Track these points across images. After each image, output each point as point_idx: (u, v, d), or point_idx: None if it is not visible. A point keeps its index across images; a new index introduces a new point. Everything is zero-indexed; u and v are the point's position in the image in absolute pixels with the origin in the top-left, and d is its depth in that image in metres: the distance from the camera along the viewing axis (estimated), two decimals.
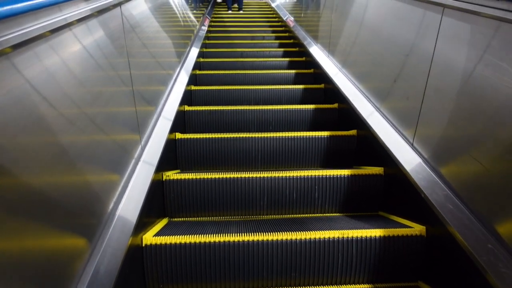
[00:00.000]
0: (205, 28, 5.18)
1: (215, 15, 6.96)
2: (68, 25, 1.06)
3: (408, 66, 1.83)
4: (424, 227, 1.56)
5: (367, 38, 2.45)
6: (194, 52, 3.78)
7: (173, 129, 2.23)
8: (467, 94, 1.36)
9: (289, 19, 5.61)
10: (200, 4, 6.13)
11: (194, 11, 4.98)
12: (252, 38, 5.31)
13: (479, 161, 1.31)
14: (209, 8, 6.91)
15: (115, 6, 1.47)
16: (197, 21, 4.99)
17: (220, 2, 8.51)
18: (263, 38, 5.35)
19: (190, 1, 4.63)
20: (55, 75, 0.98)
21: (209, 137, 2.36)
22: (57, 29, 0.99)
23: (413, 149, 1.76)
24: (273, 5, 7.43)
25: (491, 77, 1.23)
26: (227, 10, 7.59)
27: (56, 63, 0.99)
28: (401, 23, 1.92)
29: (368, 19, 2.45)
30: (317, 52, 3.66)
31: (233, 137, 2.36)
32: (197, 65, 3.84)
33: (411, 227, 1.59)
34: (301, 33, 4.55)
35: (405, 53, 1.83)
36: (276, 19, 6.64)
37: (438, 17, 1.53)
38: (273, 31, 5.78)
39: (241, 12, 7.57)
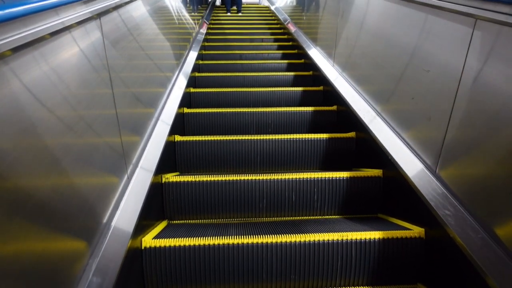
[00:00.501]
0: (203, 31, 5.12)
1: (214, 19, 6.88)
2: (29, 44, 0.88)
3: (429, 83, 1.67)
4: (423, 229, 1.56)
5: (378, 47, 2.29)
6: (192, 55, 3.78)
7: (172, 132, 2.23)
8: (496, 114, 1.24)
9: (290, 24, 5.46)
10: (199, 6, 5.86)
11: (192, 14, 4.88)
12: (251, 40, 5.28)
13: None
14: (207, 11, 6.71)
15: (90, 19, 1.26)
16: (196, 23, 4.95)
17: (219, 6, 8.42)
18: (262, 40, 5.33)
19: (187, 5, 4.50)
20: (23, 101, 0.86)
21: (208, 140, 2.36)
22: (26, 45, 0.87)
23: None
24: (272, 8, 7.39)
25: None
26: (226, 13, 7.59)
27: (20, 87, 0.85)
28: (422, 35, 1.73)
29: (380, 28, 2.29)
30: (320, 58, 3.54)
31: (232, 139, 2.36)
32: (196, 67, 3.84)
33: (410, 229, 1.60)
34: (302, 38, 4.49)
35: (425, 68, 1.67)
36: (275, 22, 6.59)
37: (469, 30, 1.36)
38: (272, 33, 5.75)
39: (240, 14, 7.54)
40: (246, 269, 1.53)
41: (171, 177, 1.95)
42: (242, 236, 1.55)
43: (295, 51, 4.67)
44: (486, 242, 1.23)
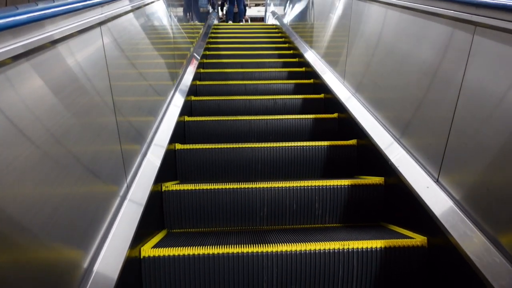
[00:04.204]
0: (194, 66, 3.63)
1: (211, 43, 5.35)
2: None
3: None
4: (425, 237, 1.54)
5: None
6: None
7: (172, 140, 2.23)
8: None
9: (318, 61, 3.62)
10: (189, 32, 3.98)
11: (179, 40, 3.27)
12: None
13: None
14: (199, 41, 4.71)
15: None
16: (192, 43, 4.03)
17: (217, 24, 7.54)
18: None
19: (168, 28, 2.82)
20: None
21: (209, 148, 2.35)
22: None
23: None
24: (278, 24, 6.41)
25: None
26: (227, 22, 7.65)
27: None
28: None
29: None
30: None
31: (233, 147, 2.36)
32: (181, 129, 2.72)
33: (413, 238, 1.58)
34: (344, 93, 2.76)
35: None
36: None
37: None
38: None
39: (241, 30, 6.74)
40: (246, 278, 1.51)
41: (171, 186, 1.94)
42: (242, 245, 1.53)
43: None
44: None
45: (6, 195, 0.77)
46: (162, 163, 1.90)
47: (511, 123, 1.16)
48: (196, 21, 5.06)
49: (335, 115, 2.83)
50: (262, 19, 9.36)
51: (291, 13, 5.95)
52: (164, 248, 1.51)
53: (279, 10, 7.31)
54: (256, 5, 11.50)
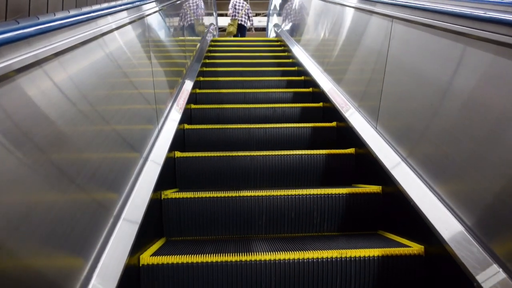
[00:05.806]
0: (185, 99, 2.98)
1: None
2: None
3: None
4: (422, 246, 1.55)
5: None
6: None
7: (172, 148, 2.25)
8: None
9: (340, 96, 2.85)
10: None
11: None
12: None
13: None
14: (195, 57, 4.02)
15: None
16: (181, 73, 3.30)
17: (215, 40, 6.58)
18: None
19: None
20: None
21: (208, 156, 2.37)
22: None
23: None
24: (287, 42, 5.35)
25: None
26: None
27: None
28: None
29: None
30: None
31: (232, 155, 2.38)
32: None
33: (410, 247, 1.59)
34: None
35: None
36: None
37: None
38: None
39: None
40: (244, 286, 1.52)
41: (170, 194, 1.95)
42: (241, 254, 1.54)
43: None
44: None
45: None
46: (161, 171, 1.92)
47: None
48: (193, 36, 4.53)
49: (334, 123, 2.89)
50: (262, 29, 9.26)
51: (298, 28, 5.23)
52: (163, 256, 1.52)
53: (283, 23, 6.37)
54: (257, 14, 11.53)
